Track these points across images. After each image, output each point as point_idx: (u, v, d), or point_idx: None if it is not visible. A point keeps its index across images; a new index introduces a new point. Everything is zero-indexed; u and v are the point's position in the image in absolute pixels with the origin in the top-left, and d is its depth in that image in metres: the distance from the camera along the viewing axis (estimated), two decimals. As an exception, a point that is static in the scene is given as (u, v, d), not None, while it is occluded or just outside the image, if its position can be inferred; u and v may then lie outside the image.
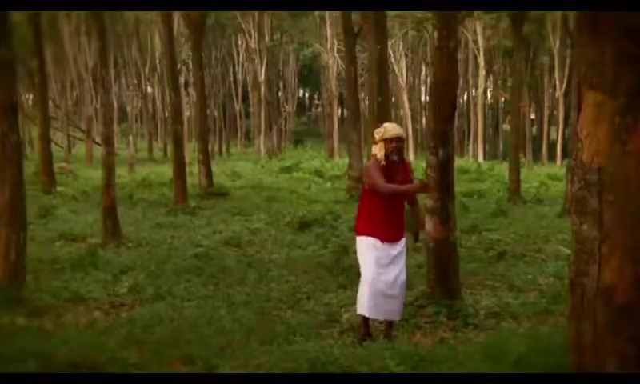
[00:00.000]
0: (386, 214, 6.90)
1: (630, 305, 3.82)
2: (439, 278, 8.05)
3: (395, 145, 6.92)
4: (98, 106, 12.69)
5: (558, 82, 44.87)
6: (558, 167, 37.53)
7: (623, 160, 3.83)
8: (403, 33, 43.89)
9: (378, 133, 7.01)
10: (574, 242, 4.06)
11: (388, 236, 6.91)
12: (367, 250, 6.92)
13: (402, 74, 48.53)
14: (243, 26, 47.09)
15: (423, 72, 60.11)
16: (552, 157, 46.23)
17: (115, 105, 42.33)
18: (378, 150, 6.96)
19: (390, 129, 7.04)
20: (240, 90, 59.41)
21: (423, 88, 60.36)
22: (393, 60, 44.87)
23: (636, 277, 3.82)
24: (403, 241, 7.11)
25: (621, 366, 3.80)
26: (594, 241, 3.91)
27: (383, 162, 6.92)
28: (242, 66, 57.51)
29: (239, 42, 55.88)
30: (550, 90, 51.65)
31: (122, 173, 26.87)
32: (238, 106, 60.14)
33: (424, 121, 55.61)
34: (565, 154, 38.80)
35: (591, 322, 3.88)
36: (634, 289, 3.82)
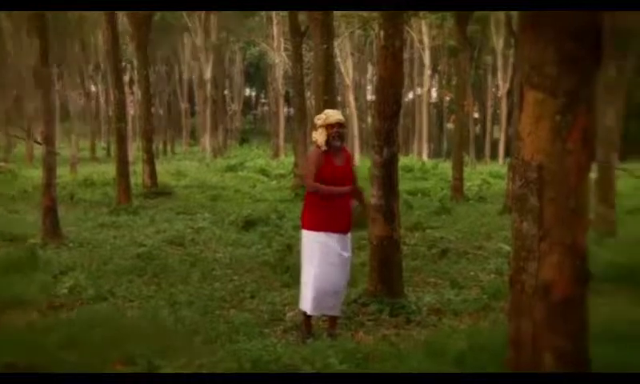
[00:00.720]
0: (331, 204, 6.86)
1: (568, 301, 3.86)
2: (382, 275, 8.08)
3: (337, 130, 6.93)
4: (40, 105, 12.37)
5: (501, 82, 45.51)
6: (501, 165, 38.04)
7: (563, 158, 3.86)
8: (350, 32, 44.00)
9: (320, 119, 7.01)
10: (514, 238, 4.08)
11: (334, 226, 6.86)
12: (313, 246, 6.87)
13: (348, 73, 48.65)
14: (189, 24, 46.70)
15: (369, 71, 60.38)
16: (495, 155, 46.87)
17: (57, 103, 41.65)
18: (319, 136, 6.95)
19: (331, 114, 7.05)
20: (186, 88, 58.98)
21: (369, 87, 60.62)
22: (339, 59, 44.92)
23: (574, 273, 3.87)
24: (350, 238, 7.09)
25: (557, 362, 3.84)
26: (534, 238, 3.94)
27: (325, 148, 6.91)
28: (188, 64, 57.08)
29: (185, 41, 55.43)
30: (494, 89, 52.35)
31: (63, 172, 26.48)
32: (184, 105, 59.67)
33: (370, 120, 55.84)
34: (507, 153, 39.30)
35: (530, 318, 3.92)
36: (571, 285, 3.86)
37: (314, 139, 7.04)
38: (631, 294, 8.91)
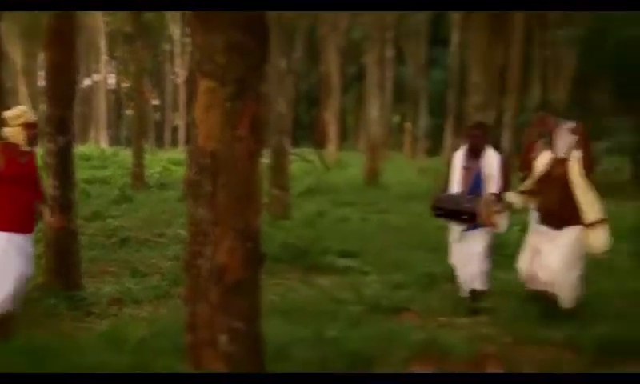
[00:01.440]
0: (12, 204, 6.47)
1: (240, 283, 4.01)
2: (58, 268, 7.87)
3: (34, 131, 6.58)
4: None
5: (179, 69, 45.81)
6: (181, 152, 38.32)
7: (234, 144, 4.00)
8: (16, 15, 41.65)
9: (17, 117, 6.56)
10: (189, 224, 4.16)
11: (18, 227, 6.48)
12: None
13: (17, 58, 46.06)
14: None
15: (42, 56, 57.71)
16: (175, 142, 47.17)
17: None
18: (18, 134, 6.51)
19: (28, 113, 6.67)
20: None
21: (41, 72, 57.94)
22: (7, 43, 42.38)
23: (246, 256, 4.03)
24: (31, 235, 6.75)
25: (232, 342, 3.97)
26: (209, 223, 4.03)
27: (24, 148, 6.52)
28: None
29: None
30: (172, 77, 52.56)
31: None
32: None
33: (43, 107, 53.36)
34: (187, 140, 39.73)
35: (206, 302, 4.01)
36: (242, 267, 4.01)
37: (8, 135, 6.56)
38: (302, 273, 9.50)
